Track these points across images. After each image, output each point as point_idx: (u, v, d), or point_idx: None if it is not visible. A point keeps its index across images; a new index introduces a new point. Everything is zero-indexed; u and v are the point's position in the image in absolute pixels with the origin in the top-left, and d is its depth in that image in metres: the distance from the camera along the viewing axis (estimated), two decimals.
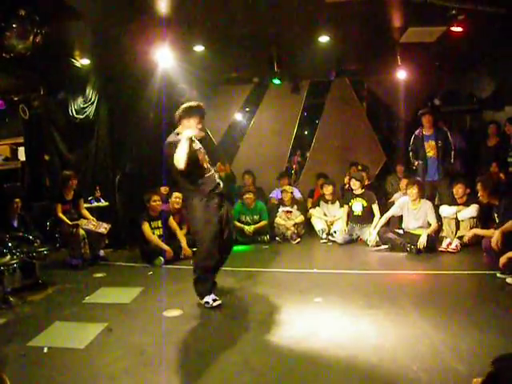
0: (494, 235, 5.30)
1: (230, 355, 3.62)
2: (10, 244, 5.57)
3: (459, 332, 3.82)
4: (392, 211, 7.38)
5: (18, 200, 6.41)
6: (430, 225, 6.99)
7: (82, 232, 6.78)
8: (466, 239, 6.53)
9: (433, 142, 7.85)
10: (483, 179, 5.94)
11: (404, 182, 8.07)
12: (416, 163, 8.14)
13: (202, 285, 4.76)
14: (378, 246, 7.28)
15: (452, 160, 7.78)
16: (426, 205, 7.09)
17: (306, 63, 9.08)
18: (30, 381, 3.26)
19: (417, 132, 8.04)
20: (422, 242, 6.67)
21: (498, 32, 6.96)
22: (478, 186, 5.88)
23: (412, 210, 7.13)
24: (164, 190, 7.87)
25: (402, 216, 7.34)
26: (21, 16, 5.02)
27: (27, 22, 5.10)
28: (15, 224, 6.34)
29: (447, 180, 7.76)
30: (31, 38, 5.14)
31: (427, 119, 7.88)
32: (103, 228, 7.01)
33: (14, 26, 5.03)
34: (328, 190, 8.39)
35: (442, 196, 7.83)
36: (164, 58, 7.36)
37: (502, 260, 5.05)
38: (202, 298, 4.75)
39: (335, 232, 7.98)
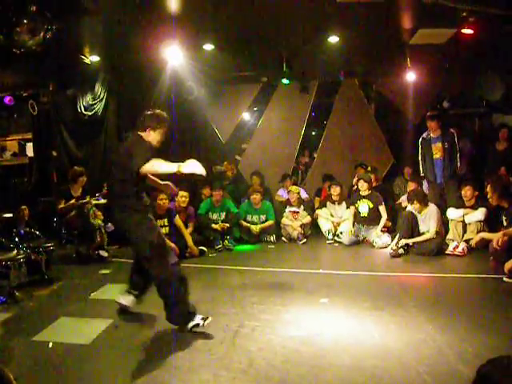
0: (497, 235, 5.29)
1: (235, 354, 3.61)
2: (17, 239, 5.60)
3: (465, 335, 3.80)
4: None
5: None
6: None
7: (97, 221, 6.86)
8: (473, 243, 6.47)
9: (439, 144, 7.76)
10: (493, 181, 5.87)
11: (411, 185, 8.00)
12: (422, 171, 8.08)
13: (182, 304, 3.99)
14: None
15: (458, 163, 7.73)
16: (431, 211, 7.04)
17: (315, 63, 9.09)
18: (34, 375, 3.27)
19: (424, 135, 7.98)
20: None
21: (508, 34, 6.92)
22: (488, 188, 5.80)
23: (420, 216, 7.09)
24: None
25: None
26: (32, 12, 5.05)
27: (38, 18, 5.13)
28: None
29: (454, 182, 7.69)
30: (42, 34, 5.16)
31: (429, 124, 7.82)
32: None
33: (24, 21, 5.06)
34: (336, 190, 8.36)
35: (450, 199, 7.76)
36: (173, 56, 7.38)
37: (508, 265, 5.03)
38: (189, 322, 4.01)
39: (341, 233, 7.96)
